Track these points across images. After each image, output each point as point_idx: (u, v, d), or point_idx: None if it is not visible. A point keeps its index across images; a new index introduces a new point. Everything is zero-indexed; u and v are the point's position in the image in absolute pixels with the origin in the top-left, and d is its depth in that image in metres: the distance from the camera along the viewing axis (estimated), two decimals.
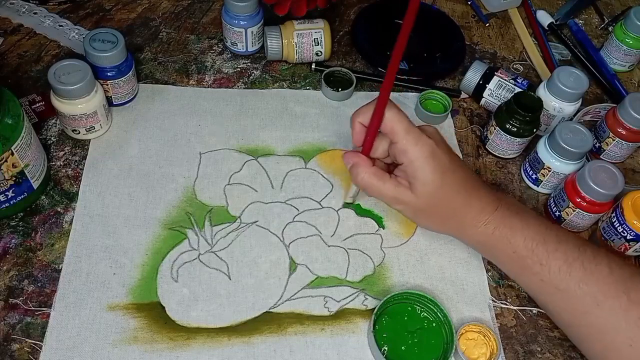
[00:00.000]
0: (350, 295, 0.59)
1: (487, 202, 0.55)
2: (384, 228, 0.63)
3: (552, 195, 0.66)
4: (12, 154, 0.55)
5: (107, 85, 0.66)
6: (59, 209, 0.61)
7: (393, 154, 0.55)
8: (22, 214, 0.60)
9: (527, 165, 0.69)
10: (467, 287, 0.60)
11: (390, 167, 0.58)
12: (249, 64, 0.76)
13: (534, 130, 0.67)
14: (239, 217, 0.63)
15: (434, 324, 0.56)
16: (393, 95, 0.75)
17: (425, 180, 0.53)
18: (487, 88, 0.73)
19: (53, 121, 0.68)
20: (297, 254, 0.61)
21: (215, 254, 0.60)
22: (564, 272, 0.52)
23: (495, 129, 0.68)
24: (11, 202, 0.58)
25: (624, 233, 0.60)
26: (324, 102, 0.74)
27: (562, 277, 0.52)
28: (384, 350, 0.54)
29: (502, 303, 0.60)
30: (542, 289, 0.54)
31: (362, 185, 0.55)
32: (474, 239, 0.56)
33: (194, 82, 0.74)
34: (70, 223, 0.60)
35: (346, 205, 0.64)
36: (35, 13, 0.78)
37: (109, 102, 0.68)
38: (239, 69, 0.75)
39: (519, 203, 0.61)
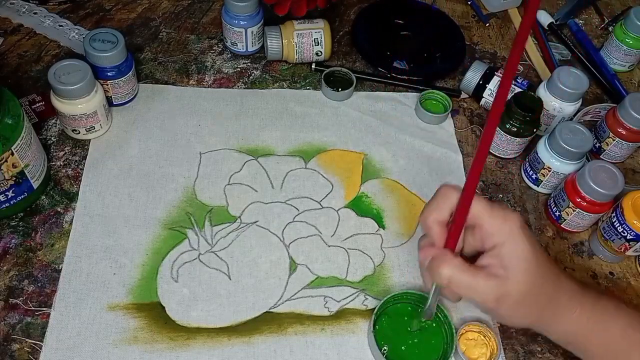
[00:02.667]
0: (350, 295, 0.59)
1: (573, 283, 0.49)
2: (384, 228, 0.63)
3: (552, 195, 0.66)
4: (12, 154, 0.55)
5: (107, 85, 0.66)
6: (59, 209, 0.61)
7: (479, 239, 0.47)
8: (22, 214, 0.60)
9: (527, 165, 0.69)
10: None
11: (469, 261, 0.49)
12: (249, 64, 0.76)
13: (534, 130, 0.67)
14: (239, 217, 0.63)
15: (434, 324, 0.56)
16: (393, 96, 0.75)
17: (523, 256, 0.45)
18: (487, 88, 0.73)
19: (53, 121, 0.68)
20: (297, 254, 0.61)
21: (216, 254, 0.60)
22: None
23: (495, 129, 0.68)
24: (11, 202, 0.58)
25: (624, 233, 0.60)
26: (324, 102, 0.74)
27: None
28: (384, 350, 0.54)
29: None
30: None
31: (447, 281, 0.46)
32: (567, 330, 0.49)
33: (194, 82, 0.74)
34: (70, 223, 0.60)
35: (421, 324, 0.56)
36: (35, 13, 0.78)
37: (109, 102, 0.68)
38: (239, 69, 0.75)
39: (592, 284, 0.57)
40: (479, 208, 0.45)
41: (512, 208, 0.49)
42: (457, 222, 0.45)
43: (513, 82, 0.72)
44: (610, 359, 0.49)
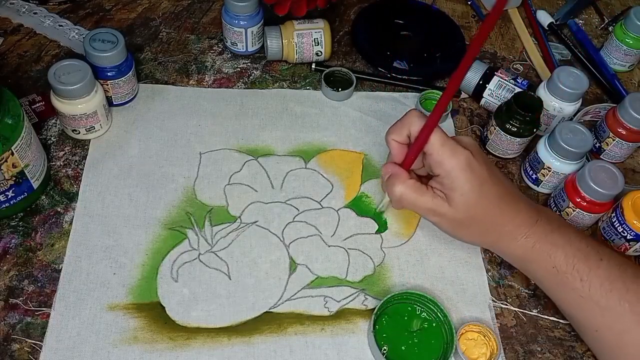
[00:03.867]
0: (350, 295, 0.59)
1: (527, 215, 0.53)
2: (384, 229, 0.63)
3: (552, 195, 0.66)
4: (12, 154, 0.55)
5: (107, 85, 0.66)
6: (59, 209, 0.61)
7: (428, 165, 0.54)
8: (22, 214, 0.60)
9: (527, 165, 0.69)
10: (467, 287, 0.60)
11: (423, 180, 0.57)
12: (249, 64, 0.76)
13: (534, 130, 0.67)
14: (239, 217, 0.63)
15: (434, 324, 0.56)
16: (393, 96, 0.75)
17: (463, 191, 0.51)
18: (487, 88, 0.73)
19: (53, 121, 0.68)
20: (297, 254, 0.61)
21: (216, 254, 0.60)
22: (605, 289, 0.50)
23: (495, 129, 0.68)
24: (11, 202, 0.58)
25: (624, 233, 0.60)
26: (324, 102, 0.74)
27: (603, 293, 0.50)
28: (384, 350, 0.54)
29: (502, 303, 0.60)
30: (580, 306, 0.52)
31: (398, 197, 0.53)
32: (512, 253, 0.55)
33: (194, 82, 0.74)
34: (70, 223, 0.60)
35: (380, 222, 0.63)
36: (35, 13, 0.78)
37: (109, 102, 0.68)
38: (239, 69, 0.75)
39: (560, 217, 0.60)
40: (434, 138, 0.51)
41: (470, 142, 0.54)
42: (414, 148, 0.53)
43: (513, 82, 0.72)
44: (556, 281, 0.53)
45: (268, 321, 0.56)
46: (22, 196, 0.59)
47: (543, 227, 0.53)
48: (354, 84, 0.73)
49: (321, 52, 0.75)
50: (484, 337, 0.56)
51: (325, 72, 0.74)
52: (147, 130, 0.68)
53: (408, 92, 0.76)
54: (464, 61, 0.48)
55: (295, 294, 0.58)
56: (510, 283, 0.61)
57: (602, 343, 0.53)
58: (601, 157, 0.71)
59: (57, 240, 0.59)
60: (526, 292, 0.61)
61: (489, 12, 0.41)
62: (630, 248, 0.61)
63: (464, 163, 0.51)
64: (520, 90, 0.70)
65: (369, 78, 0.76)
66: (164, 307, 0.56)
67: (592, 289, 0.51)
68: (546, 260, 0.53)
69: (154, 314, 0.56)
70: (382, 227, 0.63)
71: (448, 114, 0.73)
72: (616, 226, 0.60)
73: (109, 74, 0.65)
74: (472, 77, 0.73)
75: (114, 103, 0.69)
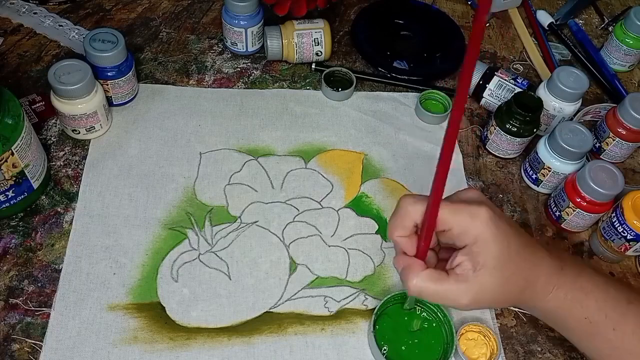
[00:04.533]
0: (350, 295, 0.59)
1: (552, 262, 0.49)
2: (384, 230, 0.63)
3: (552, 195, 0.66)
4: (12, 154, 0.55)
5: (107, 85, 0.66)
6: (59, 209, 0.61)
7: (450, 240, 0.47)
8: (22, 214, 0.60)
9: (527, 165, 0.69)
10: None
11: (439, 258, 0.50)
12: (249, 64, 0.76)
13: (534, 130, 0.67)
14: (239, 217, 0.63)
15: (434, 324, 0.56)
16: (393, 96, 0.75)
17: (494, 253, 0.45)
18: (487, 88, 0.73)
19: (53, 121, 0.68)
20: (297, 254, 0.61)
21: (216, 254, 0.60)
22: (638, 336, 0.48)
23: (495, 129, 0.68)
24: (11, 202, 0.58)
25: (624, 233, 0.60)
26: (324, 102, 0.74)
27: (636, 342, 0.48)
28: (384, 350, 0.54)
29: None
30: (615, 356, 0.49)
31: (417, 292, 0.47)
32: (546, 307, 0.50)
33: (194, 82, 0.74)
34: (70, 223, 0.60)
35: (406, 309, 0.58)
36: (35, 13, 0.78)
37: (109, 102, 0.68)
38: (239, 69, 0.75)
39: (577, 258, 0.58)
40: (443, 214, 0.45)
41: (476, 194, 0.48)
42: (426, 234, 0.46)
43: (513, 82, 0.72)
44: (588, 332, 0.50)
45: (268, 321, 0.56)
46: (22, 196, 0.59)
47: (570, 272, 0.49)
48: (354, 84, 0.73)
49: (321, 52, 0.75)
50: (484, 337, 0.56)
51: (325, 72, 0.74)
52: (147, 130, 0.68)
53: (408, 92, 0.76)
54: (459, 94, 0.41)
55: (295, 294, 0.58)
56: None
57: None
58: (601, 157, 0.71)
59: (57, 240, 0.59)
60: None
61: (474, 20, 0.36)
62: (630, 248, 0.61)
63: (487, 223, 0.45)
64: (520, 90, 0.70)
65: (369, 78, 0.76)
66: (164, 307, 0.56)
67: (625, 338, 0.48)
68: (578, 310, 0.49)
69: (154, 314, 0.56)
70: (386, 236, 0.63)
71: (448, 114, 0.73)
72: (616, 226, 0.60)
73: (109, 74, 0.65)
74: (472, 77, 0.73)
75: (114, 103, 0.69)
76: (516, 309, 0.59)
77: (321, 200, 0.65)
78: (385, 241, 0.62)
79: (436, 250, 0.50)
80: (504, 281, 0.46)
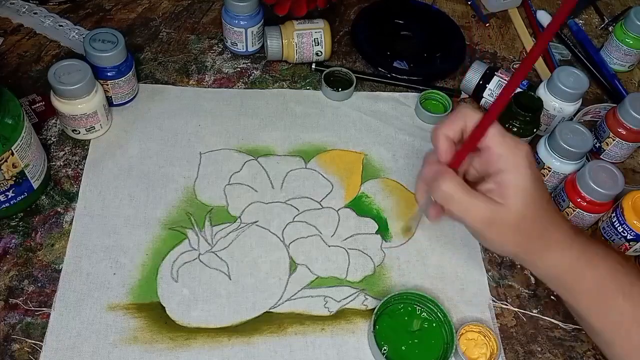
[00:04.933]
0: (350, 295, 0.59)
1: (569, 227, 0.50)
2: (384, 230, 0.63)
3: (552, 195, 0.66)
4: (12, 154, 0.55)
5: (107, 85, 0.66)
6: (59, 209, 0.61)
7: (484, 162, 0.48)
8: (22, 214, 0.60)
9: None
10: (467, 287, 0.60)
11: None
12: (249, 64, 0.76)
13: (534, 130, 0.67)
14: (239, 217, 0.63)
15: (434, 324, 0.56)
16: (393, 96, 0.75)
17: (525, 186, 0.46)
18: (487, 88, 0.73)
19: (53, 121, 0.68)
20: (297, 254, 0.61)
21: (216, 254, 0.60)
22: None
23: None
24: (11, 202, 0.58)
25: (624, 233, 0.60)
26: (324, 102, 0.74)
27: None
28: (384, 350, 0.54)
29: (502, 303, 0.60)
30: (619, 323, 0.50)
31: (448, 197, 0.46)
32: (556, 264, 0.50)
33: (194, 82, 0.74)
34: (70, 223, 0.60)
35: (405, 234, 0.59)
36: (35, 13, 0.78)
37: (109, 102, 0.68)
38: (239, 69, 0.75)
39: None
40: (493, 131, 0.46)
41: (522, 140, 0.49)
42: (468, 145, 0.46)
43: None
44: (596, 298, 0.50)
45: (268, 321, 0.56)
46: (22, 196, 0.59)
47: (584, 240, 0.50)
48: (354, 84, 0.73)
49: (321, 52, 0.75)
50: (484, 337, 0.56)
51: (325, 72, 0.74)
52: (147, 130, 0.68)
53: (408, 92, 0.76)
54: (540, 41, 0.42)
55: (295, 294, 0.58)
56: (510, 283, 0.61)
57: None
58: (601, 157, 0.71)
59: (57, 240, 0.59)
60: (526, 292, 0.61)
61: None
62: (630, 248, 0.61)
63: (526, 158, 0.46)
64: (520, 90, 0.70)
65: (369, 78, 0.76)
66: (164, 307, 0.56)
67: (635, 306, 0.49)
68: (588, 273, 0.49)
69: (154, 314, 0.56)
70: (387, 236, 0.63)
71: (448, 114, 0.73)
72: (616, 226, 0.60)
73: (109, 74, 0.65)
74: (472, 77, 0.73)
75: (114, 103, 0.69)
76: (516, 309, 0.59)
77: (321, 200, 0.65)
78: (385, 241, 0.62)
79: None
80: (523, 219, 0.47)
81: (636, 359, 0.50)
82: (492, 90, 0.72)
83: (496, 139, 0.46)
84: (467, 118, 0.47)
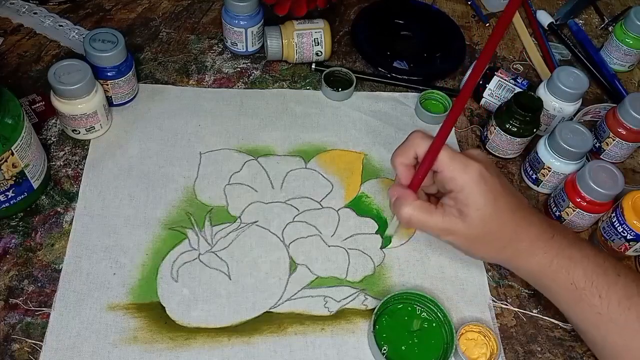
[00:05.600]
0: (350, 295, 0.59)
1: (543, 229, 0.52)
2: (383, 230, 0.63)
3: (552, 195, 0.66)
4: (12, 154, 0.55)
5: (107, 85, 0.66)
6: (59, 209, 0.61)
7: (440, 182, 0.52)
8: (22, 214, 0.60)
9: (527, 165, 0.69)
10: (467, 287, 0.60)
11: (431, 199, 0.55)
12: (249, 64, 0.76)
13: (534, 130, 0.67)
14: (239, 217, 0.63)
15: (434, 324, 0.56)
16: (393, 96, 0.75)
17: (478, 205, 0.49)
18: (487, 88, 0.73)
19: (53, 121, 0.68)
20: (297, 254, 0.61)
21: (216, 254, 0.60)
22: (624, 306, 0.49)
23: (495, 129, 0.68)
24: (11, 202, 0.58)
25: (624, 233, 0.60)
26: (324, 102, 0.74)
27: (621, 311, 0.49)
28: (384, 350, 0.54)
29: (502, 303, 0.60)
30: (598, 323, 0.51)
31: (407, 219, 0.51)
32: (530, 269, 0.53)
33: (194, 82, 0.74)
34: (70, 223, 0.60)
35: (386, 239, 0.62)
36: (35, 13, 0.78)
37: (109, 102, 0.68)
38: (239, 69, 0.75)
39: (573, 231, 0.59)
40: (442, 156, 0.50)
41: (480, 154, 0.52)
42: (421, 169, 0.51)
43: (513, 82, 0.72)
44: (573, 299, 0.51)
45: (268, 321, 0.56)
46: (22, 196, 0.59)
47: (559, 241, 0.52)
48: (354, 84, 0.73)
49: (321, 52, 0.75)
50: (484, 337, 0.56)
51: (325, 72, 0.74)
52: (147, 130, 0.68)
53: (408, 92, 0.76)
54: (473, 72, 0.47)
55: (295, 294, 0.58)
56: (510, 283, 0.61)
57: None
58: (601, 157, 0.71)
59: (57, 240, 0.59)
60: (526, 292, 0.61)
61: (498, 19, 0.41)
62: (630, 248, 0.61)
63: (477, 176, 0.49)
64: (520, 90, 0.70)
65: (369, 78, 0.76)
66: (164, 307, 0.56)
67: (610, 306, 0.50)
68: (564, 276, 0.51)
69: (154, 314, 0.56)
70: (387, 240, 0.63)
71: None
72: (616, 226, 0.60)
73: (109, 74, 0.65)
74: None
75: (114, 103, 0.69)
76: (516, 309, 0.59)
77: (321, 200, 0.65)
78: (382, 237, 0.62)
79: (428, 197, 0.55)
80: (484, 234, 0.51)
81: (616, 357, 0.51)
82: (492, 90, 0.72)
83: (445, 163, 0.50)
84: (417, 147, 0.51)
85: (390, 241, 0.62)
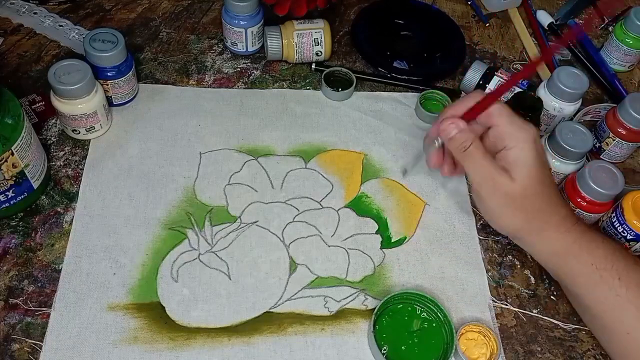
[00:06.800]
0: (350, 295, 0.59)
1: (569, 213, 0.54)
2: (384, 230, 0.63)
3: None
4: (12, 154, 0.55)
5: (107, 85, 0.66)
6: (59, 209, 0.61)
7: (495, 138, 0.52)
8: (22, 214, 0.60)
9: None
10: (467, 287, 0.60)
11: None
12: (249, 64, 0.76)
13: None
14: (239, 217, 0.63)
15: (434, 324, 0.56)
16: (393, 96, 0.75)
17: (528, 164, 0.51)
18: (487, 88, 0.73)
19: (53, 121, 0.68)
20: (297, 254, 0.61)
21: (216, 254, 0.60)
22: None
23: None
24: (11, 202, 0.58)
25: (624, 233, 0.60)
26: (324, 102, 0.74)
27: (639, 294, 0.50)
28: (384, 350, 0.54)
29: (502, 303, 0.60)
30: (615, 306, 0.51)
31: (466, 155, 0.52)
32: (552, 245, 0.54)
33: (194, 82, 0.74)
34: (70, 223, 0.60)
35: (405, 174, 0.64)
36: (35, 13, 0.78)
37: (109, 102, 0.68)
38: (239, 69, 0.75)
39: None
40: (502, 111, 0.51)
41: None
42: (486, 101, 0.51)
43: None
44: (592, 279, 0.52)
45: (268, 321, 0.56)
46: (22, 196, 0.59)
47: (583, 226, 0.54)
48: (354, 84, 0.73)
49: (321, 52, 0.75)
50: (484, 337, 0.56)
51: (325, 72, 0.74)
52: (147, 130, 0.68)
53: (408, 92, 0.76)
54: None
55: (295, 294, 0.58)
56: (510, 283, 0.61)
57: (633, 345, 0.52)
58: (601, 157, 0.71)
59: (57, 240, 0.59)
60: (526, 292, 0.61)
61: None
62: (630, 248, 0.61)
63: (532, 138, 0.51)
64: (520, 90, 0.70)
65: (369, 78, 0.76)
66: (164, 307, 0.56)
67: (629, 289, 0.50)
68: (586, 256, 0.52)
69: (154, 314, 0.56)
70: (387, 240, 0.63)
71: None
72: (616, 226, 0.60)
73: (109, 74, 0.65)
74: (472, 77, 0.73)
75: (114, 103, 0.69)
76: (516, 309, 0.59)
77: (321, 200, 0.65)
78: (386, 247, 0.62)
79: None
80: (524, 195, 0.51)
81: (630, 341, 0.52)
82: (492, 90, 0.72)
83: (505, 119, 0.51)
84: (473, 99, 0.53)
85: (389, 240, 0.62)
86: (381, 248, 0.62)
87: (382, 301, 0.56)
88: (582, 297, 0.54)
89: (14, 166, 0.56)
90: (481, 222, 0.64)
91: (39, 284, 0.56)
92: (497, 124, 0.52)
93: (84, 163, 0.65)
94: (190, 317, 0.56)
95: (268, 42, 0.73)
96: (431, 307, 0.56)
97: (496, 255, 0.62)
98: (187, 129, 0.69)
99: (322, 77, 0.73)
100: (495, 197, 0.52)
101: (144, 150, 0.67)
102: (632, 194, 0.60)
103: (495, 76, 0.72)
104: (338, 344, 0.56)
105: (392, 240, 0.62)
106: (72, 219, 0.60)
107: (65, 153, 0.65)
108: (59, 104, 0.62)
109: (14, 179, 0.57)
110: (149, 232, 0.60)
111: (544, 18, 0.86)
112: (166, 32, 0.79)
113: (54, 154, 0.65)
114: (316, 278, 0.59)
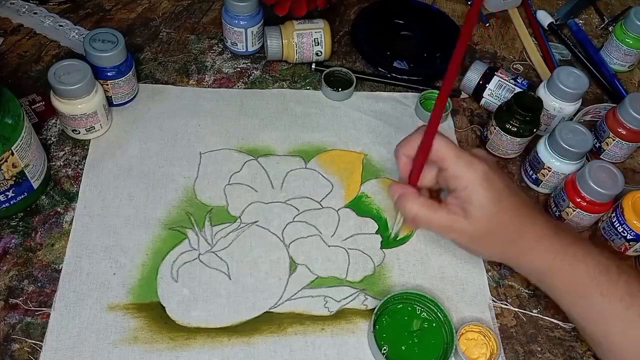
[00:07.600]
0: (350, 295, 0.59)
1: (546, 227, 0.52)
2: (384, 230, 0.63)
3: (552, 195, 0.66)
4: (12, 154, 0.55)
5: (107, 85, 0.66)
6: (59, 209, 0.61)
7: (444, 180, 0.52)
8: (22, 214, 0.60)
9: (527, 165, 0.69)
10: (467, 287, 0.60)
11: (433, 195, 0.56)
12: (249, 64, 0.76)
13: (534, 130, 0.67)
14: (239, 217, 0.63)
15: (434, 324, 0.56)
16: (393, 96, 0.75)
17: (481, 204, 0.50)
18: (487, 88, 0.73)
19: (53, 121, 0.68)
20: (297, 254, 0.61)
21: (216, 254, 0.60)
22: (625, 303, 0.50)
23: (495, 129, 0.68)
24: (11, 202, 0.58)
25: (624, 233, 0.60)
26: (324, 102, 0.74)
27: (623, 308, 0.50)
28: (384, 350, 0.54)
29: (502, 303, 0.60)
30: (599, 319, 0.51)
31: (412, 216, 0.52)
32: (533, 266, 0.53)
33: (194, 82, 0.74)
34: (70, 223, 0.60)
35: (391, 240, 0.62)
36: (35, 13, 0.78)
37: (109, 102, 0.68)
38: (239, 69, 0.75)
39: (575, 231, 0.60)
40: (447, 152, 0.50)
41: (485, 155, 0.53)
42: (419, 158, 0.51)
43: (513, 82, 0.72)
44: (575, 297, 0.52)
45: (268, 321, 0.56)
46: (22, 196, 0.59)
47: (563, 240, 0.52)
48: (354, 84, 0.73)
49: (321, 52, 0.75)
50: (484, 337, 0.56)
51: (325, 72, 0.74)
52: (147, 130, 0.68)
53: (408, 92, 0.76)
54: (451, 64, 0.47)
55: (295, 294, 0.58)
56: (510, 283, 0.61)
57: (619, 358, 0.52)
58: (601, 157, 0.71)
59: (57, 240, 0.59)
60: (526, 292, 0.61)
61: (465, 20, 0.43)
62: (630, 248, 0.61)
63: (482, 176, 0.50)
64: (520, 90, 0.70)
65: (369, 78, 0.76)
66: (164, 307, 0.56)
67: (612, 302, 0.50)
68: (567, 273, 0.51)
69: (154, 314, 0.56)
70: (387, 240, 0.63)
71: (448, 114, 0.73)
72: (616, 226, 0.60)
73: (109, 74, 0.65)
74: (472, 77, 0.73)
75: (114, 103, 0.69)
76: (516, 309, 0.59)
77: (321, 200, 0.65)
78: (383, 235, 0.62)
79: (430, 194, 0.56)
80: (488, 232, 0.51)
81: (619, 355, 0.52)
82: (492, 90, 0.72)
83: (451, 160, 0.50)
84: (420, 139, 0.51)
85: (396, 238, 0.62)
86: (381, 248, 0.62)
87: (382, 301, 0.56)
88: (567, 311, 0.54)
89: (14, 166, 0.56)
90: None
91: (39, 284, 0.56)
92: (445, 167, 0.51)
93: (84, 163, 0.65)
94: (190, 317, 0.56)
95: (268, 42, 0.73)
96: (431, 307, 0.56)
97: None
98: (187, 129, 0.69)
99: (322, 77, 0.73)
100: (462, 239, 0.53)
101: (144, 150, 0.67)
102: (632, 194, 0.60)
103: (495, 76, 0.72)
104: (338, 344, 0.56)
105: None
106: (72, 219, 0.61)
107: (65, 153, 0.65)
108: (59, 104, 0.62)
109: (14, 179, 0.57)
110: (149, 232, 0.60)
111: (544, 18, 0.86)
112: (166, 32, 0.79)
113: (54, 154, 0.65)
114: (316, 278, 0.59)
